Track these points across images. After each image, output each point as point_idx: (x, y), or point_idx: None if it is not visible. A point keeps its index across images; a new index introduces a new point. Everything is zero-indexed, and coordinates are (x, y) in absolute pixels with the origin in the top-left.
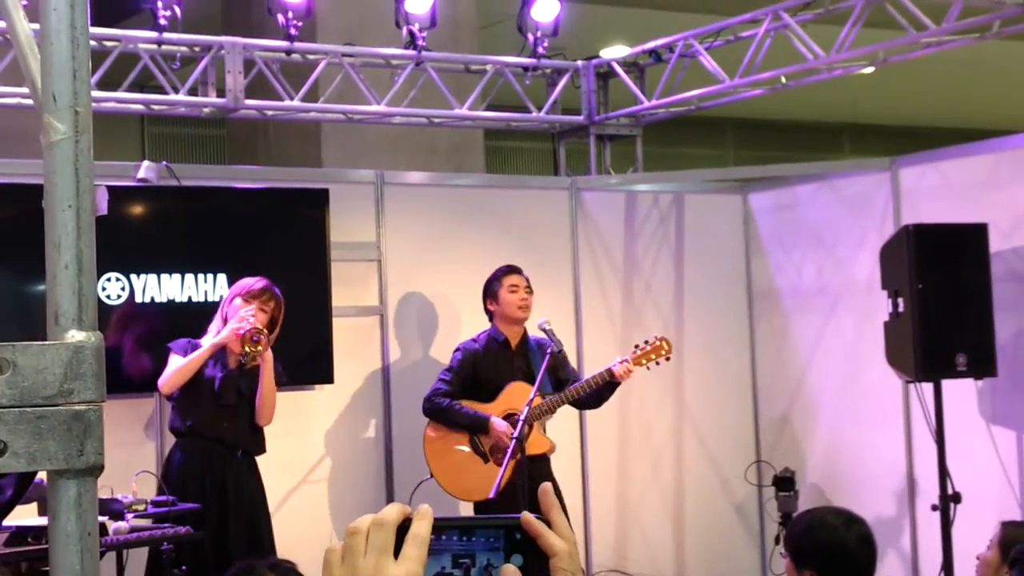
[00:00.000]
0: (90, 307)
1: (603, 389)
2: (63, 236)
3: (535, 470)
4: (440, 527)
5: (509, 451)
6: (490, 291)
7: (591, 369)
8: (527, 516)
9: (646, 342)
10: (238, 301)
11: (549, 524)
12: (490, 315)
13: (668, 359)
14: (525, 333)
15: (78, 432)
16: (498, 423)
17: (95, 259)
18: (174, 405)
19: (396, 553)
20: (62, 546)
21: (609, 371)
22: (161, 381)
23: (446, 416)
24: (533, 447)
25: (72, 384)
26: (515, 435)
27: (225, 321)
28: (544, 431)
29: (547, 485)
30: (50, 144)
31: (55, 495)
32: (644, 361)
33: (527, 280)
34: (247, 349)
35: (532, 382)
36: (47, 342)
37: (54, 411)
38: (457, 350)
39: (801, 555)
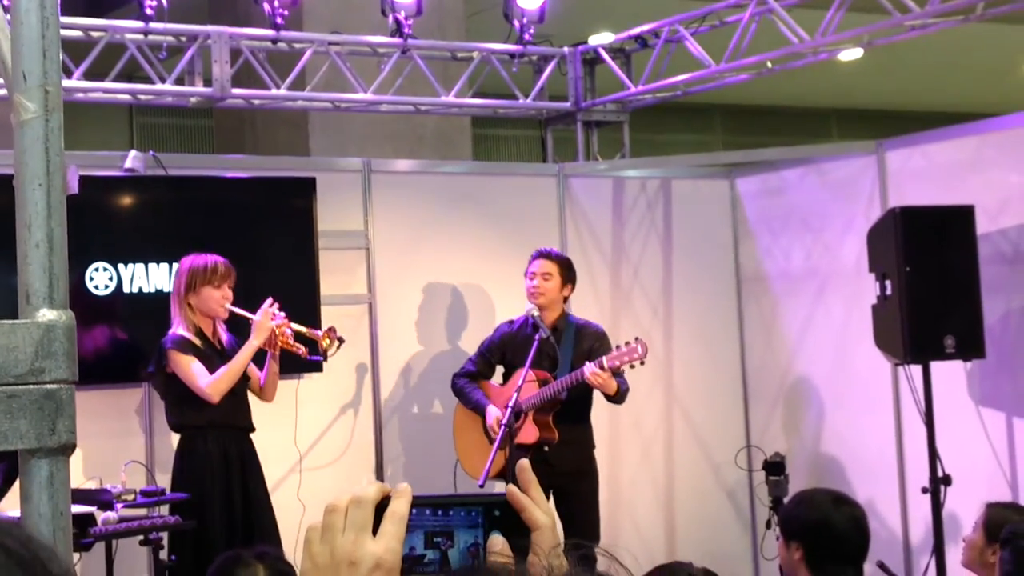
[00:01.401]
0: (61, 286)
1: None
2: (33, 215)
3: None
4: (419, 505)
5: (497, 439)
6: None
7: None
8: (512, 489)
9: (627, 344)
10: (208, 290)
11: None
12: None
13: (643, 363)
14: (564, 315)
15: (50, 411)
16: (488, 412)
17: (66, 238)
18: (181, 401)
19: (375, 531)
20: (34, 526)
21: (580, 374)
22: (209, 390)
23: (459, 396)
24: (523, 436)
25: (43, 363)
26: (504, 423)
27: (192, 309)
28: (552, 421)
29: (524, 462)
30: (20, 123)
31: (27, 475)
32: (618, 364)
33: (548, 263)
34: (327, 347)
35: (553, 369)
36: (17, 321)
37: (25, 390)
38: (495, 330)
39: (790, 529)
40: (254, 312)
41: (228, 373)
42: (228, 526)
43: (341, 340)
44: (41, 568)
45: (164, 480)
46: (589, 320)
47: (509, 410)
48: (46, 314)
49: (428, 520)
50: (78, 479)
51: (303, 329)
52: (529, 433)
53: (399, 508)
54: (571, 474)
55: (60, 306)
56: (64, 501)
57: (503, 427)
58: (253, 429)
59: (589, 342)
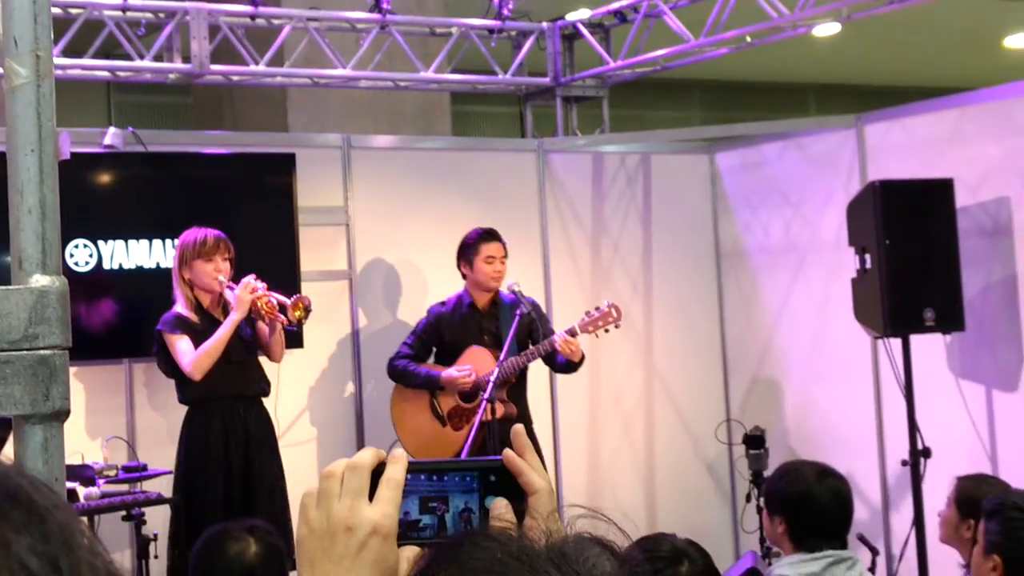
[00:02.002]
0: (54, 251)
1: (565, 362)
2: (26, 181)
3: (504, 433)
4: (414, 470)
5: (480, 411)
6: (465, 255)
7: (560, 329)
8: (509, 453)
9: (596, 308)
10: (200, 263)
11: None
12: (463, 275)
13: (617, 326)
14: (497, 293)
15: (43, 377)
16: (448, 373)
17: (58, 204)
18: (181, 377)
19: (371, 497)
20: None
21: (552, 343)
22: (189, 368)
23: (403, 377)
24: (487, 412)
25: (37, 329)
26: (486, 396)
27: (191, 286)
28: (506, 396)
29: (519, 427)
30: (11, 89)
31: (21, 440)
32: (591, 328)
33: (504, 247)
34: (300, 316)
35: (497, 346)
36: (11, 286)
37: (19, 356)
38: (427, 312)
39: (773, 503)
40: None
41: (208, 350)
42: (227, 502)
43: (308, 310)
44: (25, 498)
45: (146, 456)
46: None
47: (491, 383)
48: (39, 280)
49: (423, 486)
50: None
51: (279, 298)
52: (497, 408)
53: (395, 473)
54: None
55: (53, 272)
56: (59, 467)
57: (484, 400)
58: (264, 394)
59: (523, 316)
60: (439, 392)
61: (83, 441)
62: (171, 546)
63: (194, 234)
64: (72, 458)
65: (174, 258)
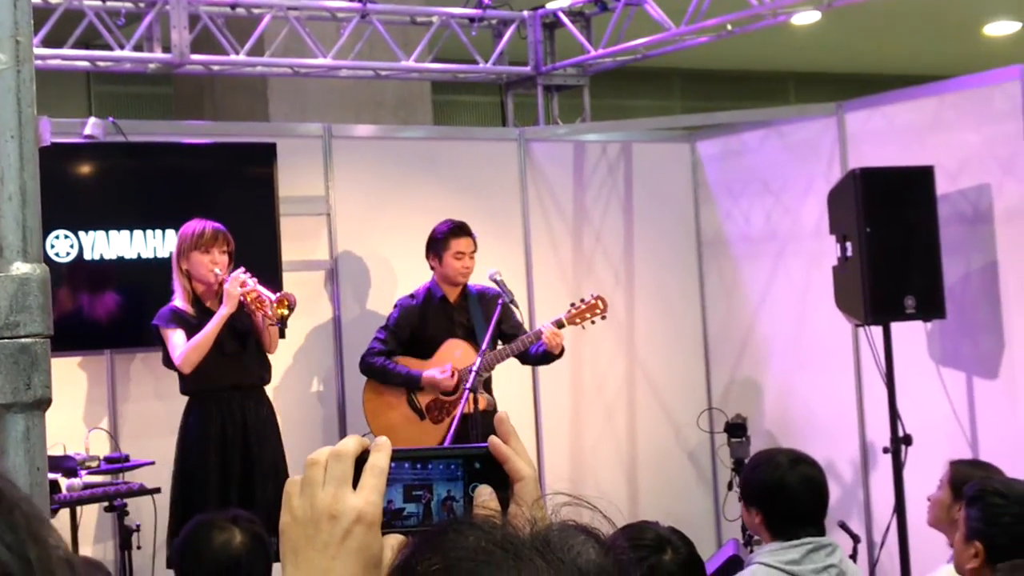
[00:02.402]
0: (35, 239)
1: (544, 355)
2: (6, 167)
3: (487, 424)
4: (398, 458)
5: (463, 401)
6: (434, 249)
7: (542, 319)
8: (495, 440)
9: (582, 300)
10: (197, 255)
11: None
12: (432, 267)
13: (603, 318)
14: (465, 286)
15: (25, 365)
16: (430, 373)
17: (39, 191)
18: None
19: (355, 485)
20: None
21: (537, 333)
22: (179, 361)
23: (380, 375)
24: (468, 405)
25: (18, 317)
26: (468, 386)
27: (189, 278)
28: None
29: (503, 413)
30: None
31: (3, 430)
32: (578, 320)
33: (474, 241)
34: (284, 313)
35: (471, 337)
36: None
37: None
38: (395, 306)
39: (748, 494)
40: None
41: (195, 345)
42: (222, 494)
43: (291, 307)
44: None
45: (129, 447)
46: (484, 286)
47: (474, 374)
48: (20, 267)
49: (407, 474)
50: None
51: (267, 293)
52: (481, 398)
53: (379, 461)
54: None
55: (34, 259)
56: (40, 456)
57: (467, 390)
58: (264, 383)
59: (494, 306)
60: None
61: (65, 432)
62: (170, 538)
63: (193, 226)
64: (54, 449)
65: (173, 249)
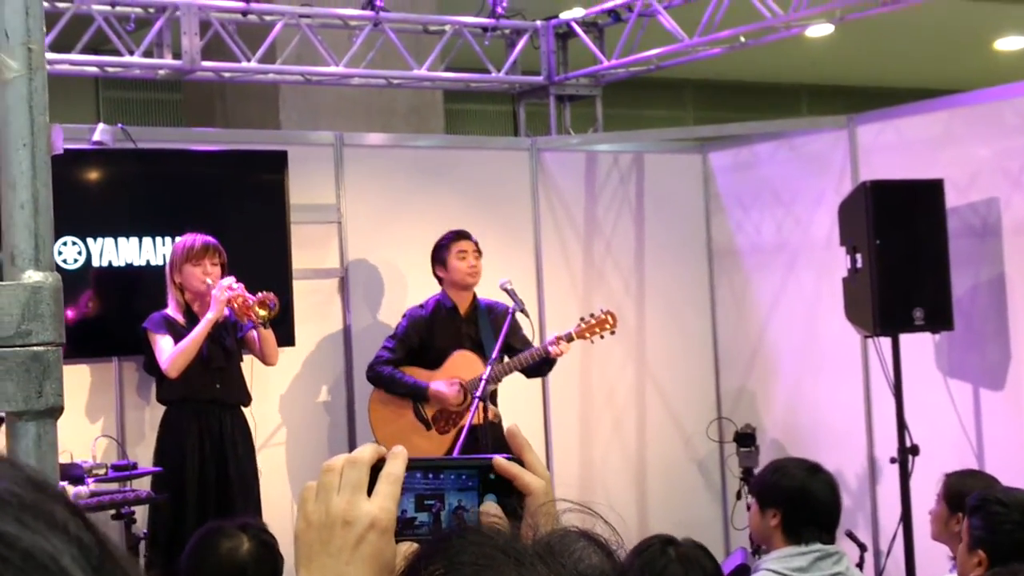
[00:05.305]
0: (47, 247)
1: (541, 364)
2: (18, 175)
3: (495, 435)
4: (412, 468)
5: (471, 410)
6: (438, 257)
7: (552, 329)
8: (499, 460)
9: (591, 315)
10: (189, 267)
11: (523, 464)
12: (440, 280)
13: (613, 333)
14: (475, 298)
15: (37, 373)
16: (437, 386)
17: (51, 199)
18: (160, 376)
19: (370, 492)
20: None
21: (545, 349)
22: (166, 366)
23: (387, 384)
24: (477, 416)
25: (30, 325)
26: (477, 395)
27: (182, 290)
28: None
29: (514, 426)
30: (4, 82)
31: (15, 437)
32: (588, 335)
33: (476, 244)
34: (263, 314)
35: (480, 349)
36: (3, 283)
37: (12, 352)
38: (404, 316)
39: (767, 496)
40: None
41: (183, 349)
42: (200, 503)
43: (271, 308)
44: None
45: (137, 454)
46: (494, 300)
47: (483, 382)
48: (32, 275)
49: (419, 483)
50: None
51: (251, 297)
52: (489, 410)
53: (394, 469)
54: (498, 448)
55: (46, 267)
56: (52, 464)
57: (476, 399)
58: (245, 403)
59: (503, 320)
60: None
61: (72, 439)
62: (148, 544)
63: (184, 239)
64: (61, 456)
65: (167, 262)
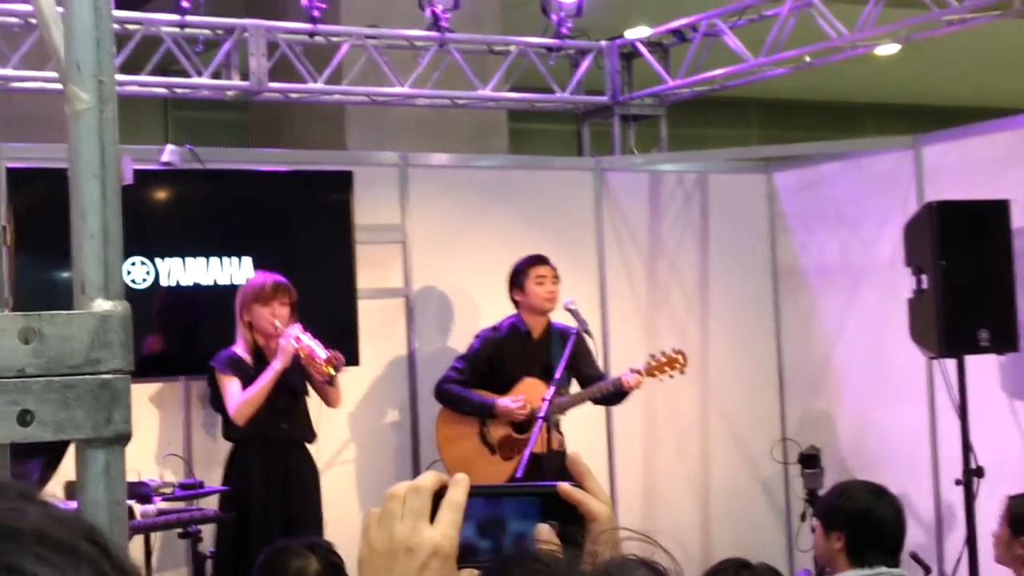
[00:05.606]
0: (116, 276)
1: (613, 395)
2: (88, 206)
3: (559, 464)
4: (473, 495)
5: (535, 432)
6: (516, 281)
7: (616, 350)
8: (563, 486)
9: (662, 353)
10: (258, 308)
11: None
12: (516, 303)
13: (683, 373)
14: (549, 323)
15: (105, 401)
16: (503, 401)
17: (121, 229)
18: (226, 415)
19: (432, 518)
20: (91, 515)
21: (619, 380)
22: (233, 412)
23: (454, 402)
24: (541, 443)
25: (99, 353)
26: (541, 415)
27: (251, 328)
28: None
29: (575, 454)
30: (75, 114)
31: (83, 464)
32: (657, 373)
33: (555, 270)
34: (331, 372)
35: (550, 376)
36: (73, 311)
37: (81, 380)
38: (477, 337)
39: (832, 519)
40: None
41: (250, 398)
42: (265, 522)
43: (337, 368)
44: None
45: (203, 473)
46: (567, 325)
47: (547, 403)
48: (101, 304)
49: (481, 510)
50: None
51: (318, 351)
52: (553, 438)
53: (456, 496)
54: (561, 477)
55: (115, 296)
56: (120, 491)
57: (540, 419)
58: (310, 440)
59: (573, 345)
60: (490, 420)
61: (139, 458)
62: (215, 563)
63: (254, 280)
64: (128, 475)
65: (236, 300)
